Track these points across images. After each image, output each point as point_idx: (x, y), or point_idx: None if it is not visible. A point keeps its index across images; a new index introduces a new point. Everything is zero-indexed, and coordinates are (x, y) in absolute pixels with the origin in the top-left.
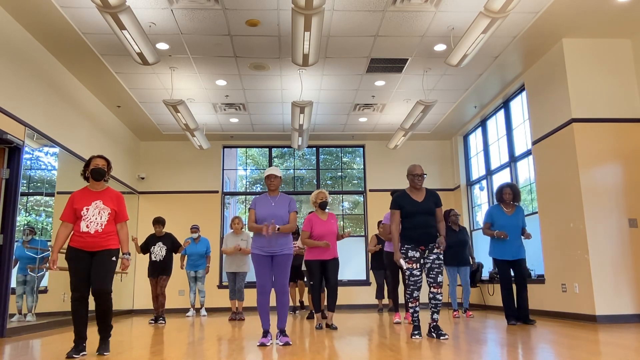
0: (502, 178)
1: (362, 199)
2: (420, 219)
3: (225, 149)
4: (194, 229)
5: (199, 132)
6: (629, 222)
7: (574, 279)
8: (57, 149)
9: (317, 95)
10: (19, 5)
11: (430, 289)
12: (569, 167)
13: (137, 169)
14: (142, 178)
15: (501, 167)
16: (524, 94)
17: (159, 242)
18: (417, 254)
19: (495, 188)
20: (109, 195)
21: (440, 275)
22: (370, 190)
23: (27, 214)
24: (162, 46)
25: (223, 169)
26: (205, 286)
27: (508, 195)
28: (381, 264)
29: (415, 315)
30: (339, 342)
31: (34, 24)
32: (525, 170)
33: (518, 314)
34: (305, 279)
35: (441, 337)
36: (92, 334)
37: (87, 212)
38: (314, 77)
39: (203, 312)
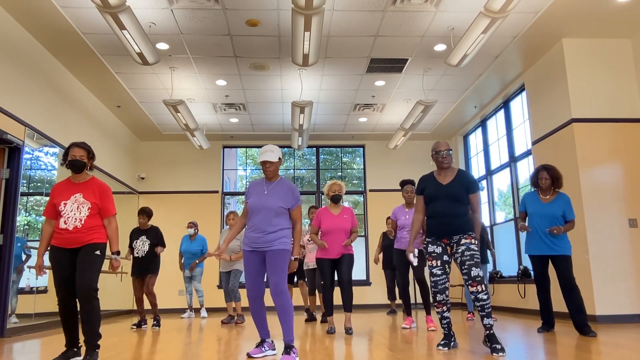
0: (502, 178)
1: (362, 199)
2: (441, 206)
3: (225, 149)
4: (191, 224)
5: (199, 132)
6: (629, 222)
7: None
8: (57, 149)
9: (317, 95)
10: (19, 5)
11: (468, 288)
12: (569, 167)
13: (137, 169)
14: (142, 178)
15: (501, 167)
16: (524, 94)
17: (143, 236)
18: (439, 250)
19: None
20: (91, 187)
21: (475, 269)
22: (370, 190)
23: (27, 214)
24: (162, 46)
25: (223, 169)
26: (202, 285)
27: (545, 181)
28: (388, 264)
29: (444, 322)
30: (340, 343)
31: (34, 24)
32: (525, 171)
33: (573, 321)
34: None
35: (494, 354)
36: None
37: (64, 207)
38: (314, 77)
39: (203, 312)
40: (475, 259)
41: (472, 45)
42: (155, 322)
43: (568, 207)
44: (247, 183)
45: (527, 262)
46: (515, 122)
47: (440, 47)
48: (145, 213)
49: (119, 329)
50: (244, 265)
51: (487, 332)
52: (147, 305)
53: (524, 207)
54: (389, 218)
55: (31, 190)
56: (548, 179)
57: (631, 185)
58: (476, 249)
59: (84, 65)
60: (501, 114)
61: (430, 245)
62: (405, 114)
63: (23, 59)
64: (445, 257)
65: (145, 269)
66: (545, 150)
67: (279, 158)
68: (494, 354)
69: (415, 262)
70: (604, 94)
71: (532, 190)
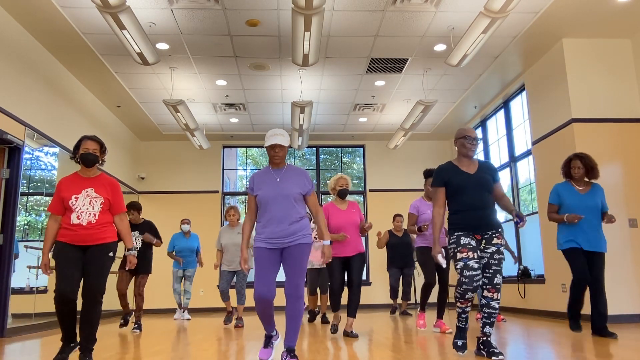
0: (502, 178)
1: (362, 199)
2: (473, 197)
3: (225, 149)
4: (186, 220)
5: (199, 132)
6: (629, 222)
7: None
8: (57, 149)
9: (317, 95)
10: (19, 5)
11: (482, 292)
12: None
13: (137, 169)
14: (142, 178)
15: (501, 167)
16: (524, 94)
17: (135, 232)
18: (473, 242)
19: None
20: (102, 182)
21: (498, 276)
22: (370, 190)
23: (27, 214)
24: (162, 46)
25: (223, 169)
26: (193, 287)
27: (578, 170)
28: (395, 263)
29: (464, 316)
30: (341, 343)
31: (34, 24)
32: (525, 170)
33: (592, 323)
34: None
35: (493, 357)
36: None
37: (76, 201)
38: (314, 77)
39: (186, 314)
40: (501, 265)
41: (472, 45)
42: (136, 325)
43: (604, 199)
44: (247, 182)
45: (527, 262)
46: (515, 122)
47: (440, 47)
48: (134, 207)
49: (118, 329)
50: (255, 263)
51: (486, 338)
52: (131, 306)
53: (557, 200)
54: (396, 216)
55: (31, 190)
56: (581, 168)
57: (631, 185)
58: (503, 252)
59: (84, 65)
60: (501, 114)
61: (463, 238)
62: (405, 114)
63: (23, 59)
64: (480, 252)
65: (137, 267)
66: (545, 150)
67: (288, 146)
68: (492, 357)
69: (444, 263)
70: (604, 94)
71: (564, 181)
